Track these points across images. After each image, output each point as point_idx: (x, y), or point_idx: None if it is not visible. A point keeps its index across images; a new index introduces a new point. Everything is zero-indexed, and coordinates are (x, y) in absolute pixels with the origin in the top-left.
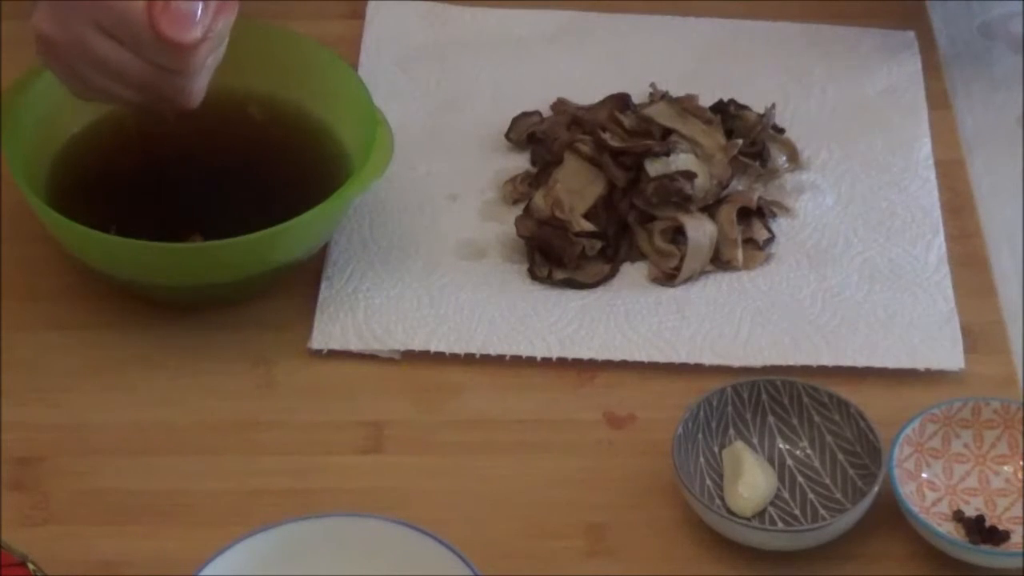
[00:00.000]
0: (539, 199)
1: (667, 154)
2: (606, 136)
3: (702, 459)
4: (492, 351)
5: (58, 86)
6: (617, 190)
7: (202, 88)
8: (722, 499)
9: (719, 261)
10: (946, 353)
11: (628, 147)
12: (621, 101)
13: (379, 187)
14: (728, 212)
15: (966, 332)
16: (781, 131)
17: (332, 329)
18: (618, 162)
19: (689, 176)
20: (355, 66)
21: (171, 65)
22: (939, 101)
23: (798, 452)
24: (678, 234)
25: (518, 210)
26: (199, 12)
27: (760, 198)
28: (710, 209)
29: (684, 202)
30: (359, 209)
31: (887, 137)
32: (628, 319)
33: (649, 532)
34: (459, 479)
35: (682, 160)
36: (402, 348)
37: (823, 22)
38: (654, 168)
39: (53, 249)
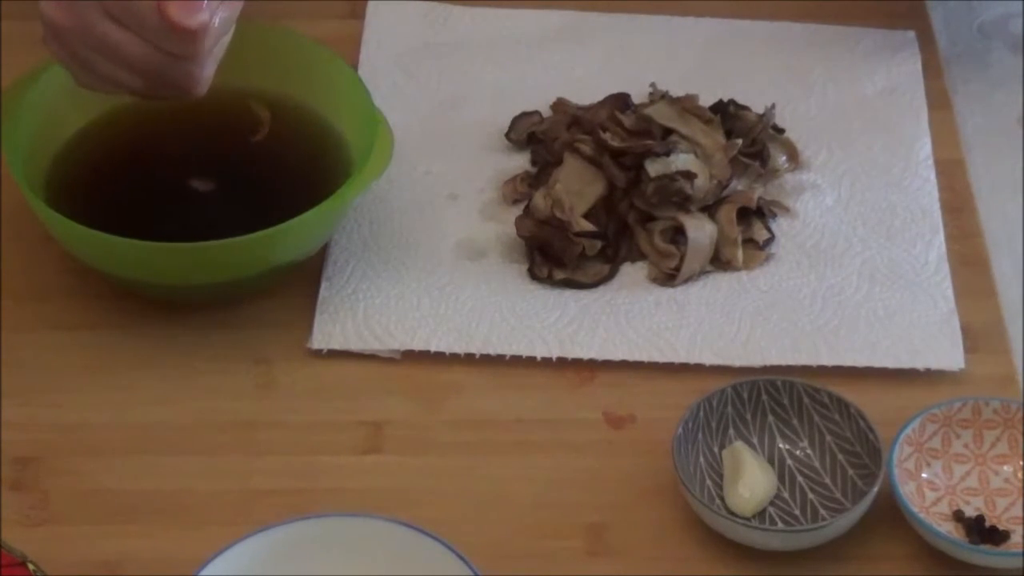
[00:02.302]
0: (539, 199)
1: (667, 154)
2: (606, 136)
3: (702, 459)
4: (492, 351)
5: (58, 85)
6: (617, 190)
7: (209, 75)
8: (722, 499)
9: (719, 261)
10: (946, 353)
11: (628, 147)
12: (621, 101)
13: (379, 187)
14: (728, 212)
15: (966, 332)
16: (781, 131)
17: (332, 329)
18: (618, 162)
19: (689, 176)
20: (355, 66)
21: (178, 51)
22: (939, 101)
23: (798, 452)
24: (678, 234)
25: (518, 210)
26: None
27: (760, 198)
28: (710, 209)
29: (684, 202)
30: (359, 209)
31: (887, 137)
32: (628, 319)
33: (649, 532)
34: (459, 479)
35: (682, 160)
36: (402, 348)
37: (823, 22)
38: (654, 168)
39: (53, 249)
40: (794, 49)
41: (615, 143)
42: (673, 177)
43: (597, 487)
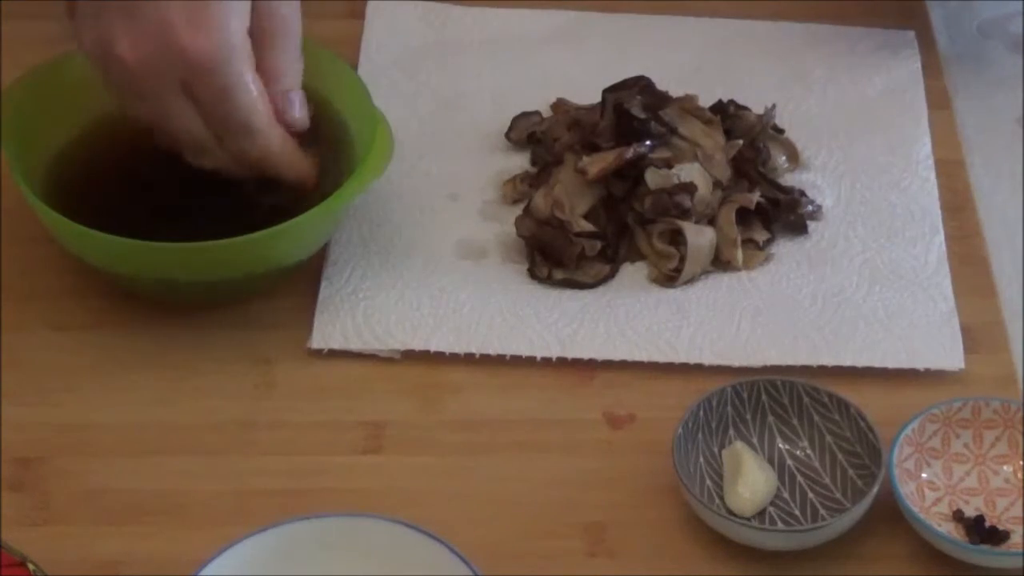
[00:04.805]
0: (539, 199)
1: (670, 166)
2: (600, 142)
3: (702, 459)
4: (492, 351)
5: (59, 86)
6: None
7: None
8: (722, 499)
9: (719, 261)
10: (946, 353)
11: (618, 165)
12: (642, 84)
13: (379, 187)
14: (728, 213)
15: (966, 332)
16: (781, 131)
17: (332, 329)
18: (616, 171)
19: (690, 189)
20: (355, 66)
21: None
22: (939, 101)
23: (798, 452)
24: (677, 235)
25: (518, 210)
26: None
27: (760, 198)
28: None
29: (682, 215)
30: (359, 209)
31: (887, 137)
32: (628, 319)
33: (649, 532)
34: (459, 479)
35: (686, 171)
36: (402, 348)
37: (823, 22)
38: (654, 180)
39: (53, 249)
40: (794, 49)
41: (604, 164)
42: (671, 191)
43: (597, 487)
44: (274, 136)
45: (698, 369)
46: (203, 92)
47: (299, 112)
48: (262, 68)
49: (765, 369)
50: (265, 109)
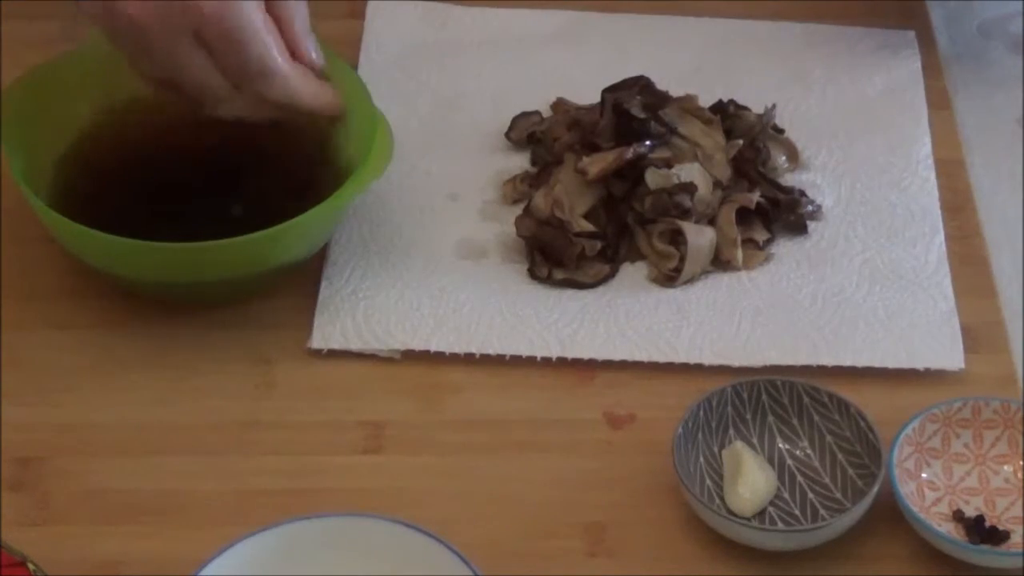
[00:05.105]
0: (539, 199)
1: (669, 166)
2: (599, 142)
3: (702, 459)
4: (492, 351)
5: (59, 85)
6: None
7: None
8: (722, 499)
9: (719, 261)
10: (946, 353)
11: (618, 165)
12: (641, 85)
13: (379, 187)
14: (728, 212)
15: (966, 332)
16: (781, 131)
17: (332, 329)
18: (616, 171)
19: (690, 189)
20: (355, 66)
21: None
22: (939, 101)
23: (798, 452)
24: (677, 235)
25: (518, 210)
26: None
27: (760, 198)
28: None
29: (683, 215)
30: (359, 209)
31: (887, 137)
32: (628, 319)
33: (649, 532)
34: (459, 479)
35: (686, 171)
36: (402, 348)
37: (823, 22)
38: (654, 180)
39: (53, 249)
40: (794, 49)
41: (604, 164)
42: (671, 191)
43: (597, 487)
44: (292, 74)
45: (698, 369)
46: (215, 41)
47: (315, 53)
48: (270, 15)
49: (765, 369)
50: (280, 50)
